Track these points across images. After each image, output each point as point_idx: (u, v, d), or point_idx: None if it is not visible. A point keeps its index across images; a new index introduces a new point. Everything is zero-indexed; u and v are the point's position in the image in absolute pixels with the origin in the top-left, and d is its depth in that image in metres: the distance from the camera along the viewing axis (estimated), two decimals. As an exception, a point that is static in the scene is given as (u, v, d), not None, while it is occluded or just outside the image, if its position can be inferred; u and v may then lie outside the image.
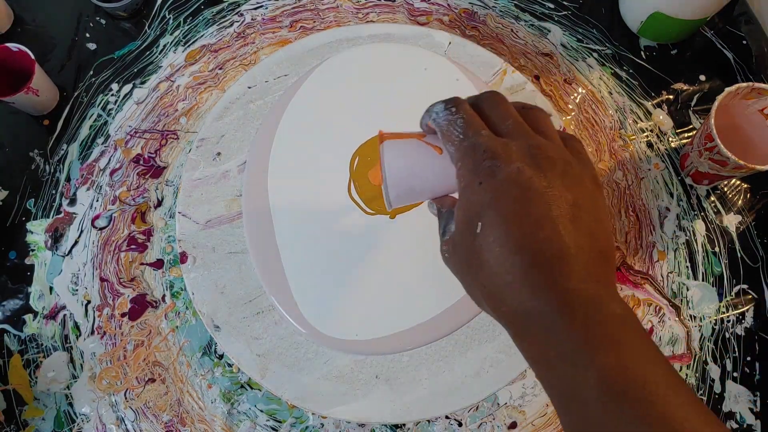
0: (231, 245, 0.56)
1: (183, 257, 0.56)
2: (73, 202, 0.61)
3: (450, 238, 0.31)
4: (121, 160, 0.62)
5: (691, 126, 0.65)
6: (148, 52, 0.67)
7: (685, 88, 0.67)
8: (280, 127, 0.58)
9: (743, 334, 0.59)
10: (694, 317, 0.59)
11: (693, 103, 0.66)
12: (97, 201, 0.61)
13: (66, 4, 0.68)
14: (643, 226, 0.62)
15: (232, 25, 0.67)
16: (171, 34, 0.67)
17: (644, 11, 0.65)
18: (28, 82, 0.58)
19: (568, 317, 0.25)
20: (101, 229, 0.60)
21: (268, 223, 0.55)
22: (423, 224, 0.55)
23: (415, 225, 0.55)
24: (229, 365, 0.57)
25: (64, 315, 0.58)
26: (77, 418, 0.55)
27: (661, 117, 0.66)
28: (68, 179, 0.62)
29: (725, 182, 0.63)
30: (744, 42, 0.68)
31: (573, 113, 0.65)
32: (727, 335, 0.59)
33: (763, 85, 0.56)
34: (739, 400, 0.57)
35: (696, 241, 0.62)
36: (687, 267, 0.61)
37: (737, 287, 0.60)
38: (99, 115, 0.64)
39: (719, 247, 0.62)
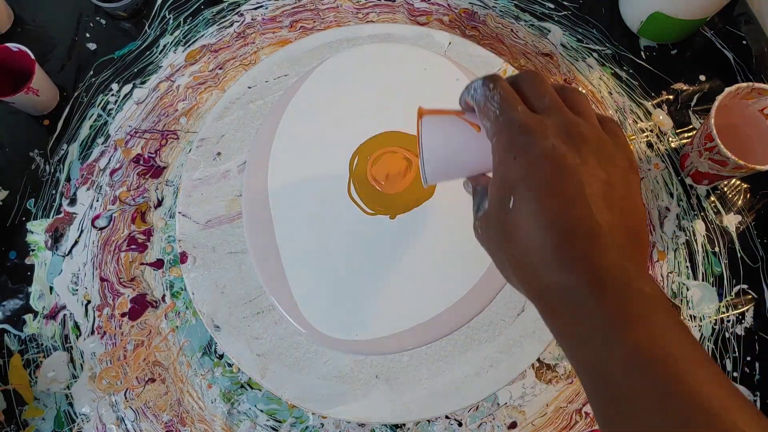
0: (231, 245, 0.56)
1: (183, 257, 0.56)
2: (73, 202, 0.61)
3: (483, 215, 0.31)
4: (121, 160, 0.62)
5: (691, 126, 0.65)
6: (148, 52, 0.67)
7: (685, 88, 0.67)
8: (280, 127, 0.58)
9: (743, 334, 0.59)
10: (694, 317, 0.59)
11: (693, 103, 0.66)
12: (97, 201, 0.61)
13: (66, 4, 0.68)
14: (643, 226, 0.62)
15: (232, 25, 0.67)
16: (171, 34, 0.67)
17: (644, 11, 0.65)
18: (28, 82, 0.58)
19: (599, 293, 0.25)
20: (101, 229, 0.60)
21: (268, 223, 0.55)
22: (423, 224, 0.55)
23: (415, 225, 0.55)
24: (229, 365, 0.57)
25: (64, 315, 0.58)
26: (77, 418, 0.55)
27: (661, 117, 0.66)
28: (68, 179, 0.62)
29: (725, 182, 0.63)
30: (744, 42, 0.68)
31: (573, 113, 0.65)
32: (727, 335, 0.59)
33: (763, 85, 0.56)
34: (739, 400, 0.57)
35: (696, 241, 0.62)
36: (687, 267, 0.61)
37: (737, 287, 0.60)
38: (99, 115, 0.64)
39: (719, 247, 0.62)
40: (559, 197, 0.27)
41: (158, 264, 0.59)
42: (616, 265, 0.26)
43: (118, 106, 0.64)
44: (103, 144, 0.63)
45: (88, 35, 0.67)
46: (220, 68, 0.66)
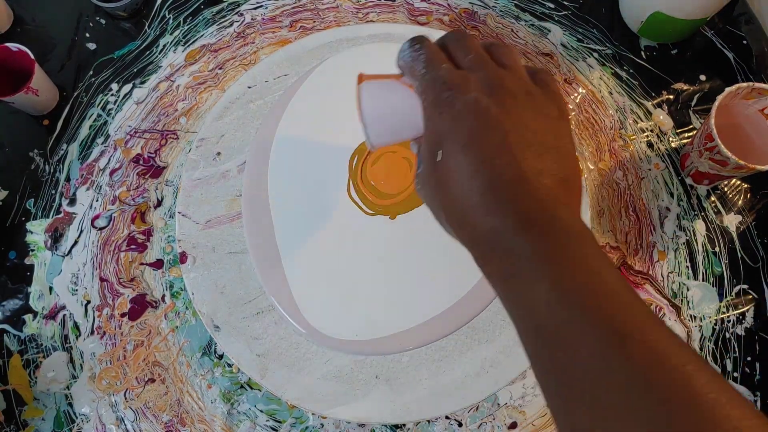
0: (231, 245, 0.56)
1: (183, 257, 0.56)
2: (72, 202, 0.61)
3: (420, 171, 0.32)
4: (121, 160, 0.62)
5: (691, 126, 0.65)
6: (148, 52, 0.66)
7: (685, 88, 0.67)
8: (280, 127, 0.58)
9: (743, 334, 0.59)
10: (695, 317, 0.59)
11: (693, 103, 0.66)
12: (97, 201, 0.61)
13: (66, 4, 0.68)
14: (643, 226, 0.62)
15: (232, 25, 0.67)
16: (171, 34, 0.67)
17: (644, 11, 0.65)
18: (28, 82, 0.58)
19: (524, 232, 0.26)
20: (101, 229, 0.60)
21: (268, 223, 0.55)
22: (423, 224, 0.55)
23: (415, 225, 0.55)
24: (229, 365, 0.57)
25: (64, 315, 0.58)
26: (77, 418, 0.55)
27: (661, 117, 0.66)
28: (68, 179, 0.62)
29: (725, 182, 0.63)
30: (744, 42, 0.68)
31: (573, 113, 0.65)
32: (727, 335, 0.59)
33: (763, 85, 0.56)
34: (739, 400, 0.57)
35: (696, 241, 0.62)
36: (687, 267, 0.61)
37: (737, 287, 0.60)
38: (99, 115, 0.64)
39: (719, 247, 0.61)
40: (483, 147, 0.27)
41: (158, 264, 0.59)
42: (541, 207, 0.26)
43: (117, 106, 0.64)
44: (102, 144, 0.63)
45: (88, 35, 0.67)
46: (220, 68, 0.66)
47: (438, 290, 0.53)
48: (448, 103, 0.29)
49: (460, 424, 0.55)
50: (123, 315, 0.58)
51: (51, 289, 0.59)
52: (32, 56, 0.59)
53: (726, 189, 0.63)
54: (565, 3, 0.70)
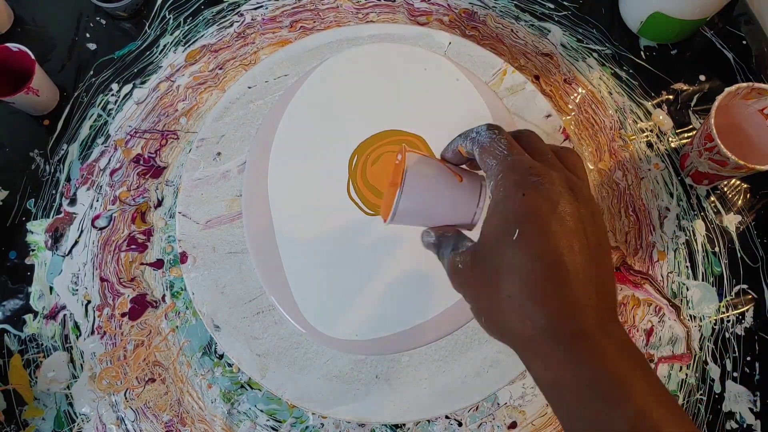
0: (231, 245, 0.56)
1: (183, 257, 0.56)
2: (73, 202, 0.61)
3: (470, 250, 0.32)
4: (121, 160, 0.62)
5: (691, 126, 0.65)
6: (148, 52, 0.67)
7: (685, 88, 0.67)
8: (280, 127, 0.58)
9: (743, 334, 0.59)
10: (694, 317, 0.59)
11: (693, 103, 0.66)
12: (97, 201, 0.61)
13: (66, 4, 0.68)
14: (643, 226, 0.62)
15: (232, 25, 0.67)
16: (171, 34, 0.67)
17: (644, 11, 0.65)
18: (28, 82, 0.58)
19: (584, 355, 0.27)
20: (101, 229, 0.60)
21: (268, 223, 0.55)
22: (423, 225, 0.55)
23: (415, 226, 0.55)
24: (229, 365, 0.57)
25: (64, 315, 0.58)
26: (77, 418, 0.55)
27: (661, 117, 0.66)
28: (68, 179, 0.62)
29: (725, 182, 0.63)
30: (744, 42, 0.68)
31: (573, 113, 0.65)
32: (727, 335, 0.59)
33: (763, 85, 0.56)
34: (739, 400, 0.57)
35: (696, 241, 0.62)
36: (687, 267, 0.61)
37: (737, 287, 0.60)
38: (99, 115, 0.64)
39: (719, 247, 0.62)
40: (565, 240, 0.28)
41: (158, 264, 0.59)
42: (599, 324, 0.28)
43: (118, 106, 0.64)
44: (103, 144, 0.63)
45: (88, 35, 0.67)
46: (220, 68, 0.66)
47: (438, 290, 0.53)
48: (534, 187, 0.29)
49: (460, 424, 0.55)
50: (123, 315, 0.58)
51: (51, 289, 0.59)
52: (32, 56, 0.59)
53: (726, 189, 0.63)
54: (564, 3, 0.70)
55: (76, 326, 0.58)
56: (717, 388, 0.57)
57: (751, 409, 0.57)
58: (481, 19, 0.68)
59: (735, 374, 0.58)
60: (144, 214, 0.61)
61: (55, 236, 0.60)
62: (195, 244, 0.56)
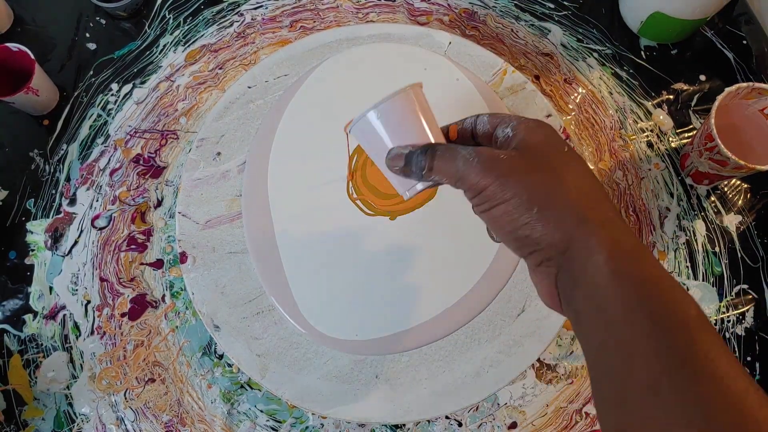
0: (231, 245, 0.56)
1: (183, 257, 0.56)
2: (73, 202, 0.61)
3: (512, 147, 0.33)
4: (121, 160, 0.62)
5: (691, 126, 0.65)
6: (148, 52, 0.67)
7: (685, 88, 0.67)
8: (280, 127, 0.58)
9: (743, 334, 0.59)
10: (695, 317, 0.59)
11: (693, 103, 0.66)
12: (97, 201, 0.61)
13: (66, 4, 0.68)
14: (643, 226, 0.62)
15: (232, 25, 0.67)
16: (171, 34, 0.67)
17: (644, 11, 0.65)
18: (28, 82, 0.58)
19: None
20: (101, 229, 0.60)
21: (268, 223, 0.55)
22: (423, 225, 0.55)
23: (415, 226, 0.55)
24: (229, 365, 0.57)
25: (64, 315, 0.58)
26: (77, 418, 0.55)
27: (661, 117, 0.66)
28: (68, 179, 0.62)
29: (725, 182, 0.63)
30: (744, 42, 0.68)
31: (573, 113, 0.65)
32: (727, 335, 0.59)
33: (763, 85, 0.56)
34: (739, 400, 0.57)
35: (696, 241, 0.62)
36: (687, 267, 0.61)
37: (737, 287, 0.60)
38: (99, 115, 0.64)
39: (719, 247, 0.61)
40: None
41: (158, 264, 0.59)
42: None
43: (118, 106, 0.64)
44: (102, 144, 0.63)
45: (88, 35, 0.67)
46: (220, 68, 0.66)
47: (438, 290, 0.53)
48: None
49: (460, 424, 0.55)
50: (123, 315, 0.58)
51: (51, 289, 0.59)
52: (32, 56, 0.59)
53: (726, 189, 0.63)
54: (565, 3, 0.70)
55: (76, 326, 0.58)
56: (717, 388, 0.57)
57: (751, 409, 0.57)
58: (481, 19, 0.68)
59: (735, 374, 0.58)
60: (144, 214, 0.61)
61: (55, 236, 0.60)
62: (195, 244, 0.56)
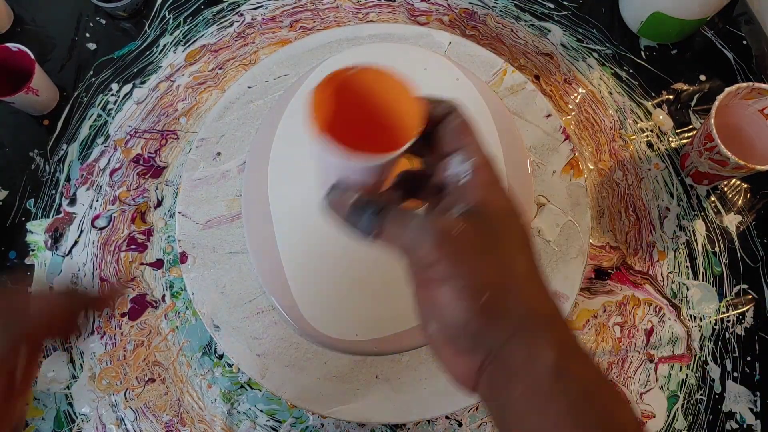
0: (231, 245, 0.56)
1: (183, 257, 0.56)
2: (73, 202, 0.61)
3: (465, 216, 0.28)
4: (121, 160, 0.62)
5: (691, 126, 0.65)
6: (148, 52, 0.67)
7: (685, 88, 0.67)
8: (280, 127, 0.58)
9: (743, 334, 0.59)
10: (694, 317, 0.59)
11: (693, 103, 0.66)
12: (97, 201, 0.61)
13: (66, 4, 0.68)
14: (643, 226, 0.62)
15: (232, 25, 0.67)
16: (171, 34, 0.67)
17: (644, 11, 0.65)
18: (28, 82, 0.58)
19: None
20: (101, 229, 0.60)
21: (268, 223, 0.55)
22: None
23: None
24: (229, 365, 0.57)
25: (64, 315, 0.58)
26: (77, 418, 0.55)
27: (661, 117, 0.66)
28: (68, 179, 0.62)
29: (725, 182, 0.63)
30: (744, 42, 0.68)
31: (573, 113, 0.65)
32: (727, 335, 0.59)
33: (763, 85, 0.56)
34: (739, 400, 0.57)
35: (696, 241, 0.62)
36: (687, 267, 0.61)
37: (737, 287, 0.60)
38: (99, 115, 0.64)
39: (719, 247, 0.62)
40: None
41: (158, 264, 0.59)
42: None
43: (118, 106, 0.64)
44: (103, 144, 0.63)
45: (88, 35, 0.67)
46: (220, 68, 0.66)
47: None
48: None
49: (460, 424, 0.55)
50: (123, 315, 0.58)
51: (51, 289, 0.59)
52: (32, 56, 0.59)
53: (726, 189, 0.63)
54: (565, 3, 0.70)
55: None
56: (717, 388, 0.57)
57: (751, 409, 0.57)
58: (481, 19, 0.68)
59: (735, 374, 0.58)
60: (144, 214, 0.61)
61: (55, 236, 0.60)
62: (195, 244, 0.56)
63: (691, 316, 0.59)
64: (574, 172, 0.59)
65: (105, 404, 0.55)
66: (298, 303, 0.53)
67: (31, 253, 0.60)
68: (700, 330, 0.59)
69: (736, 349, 0.58)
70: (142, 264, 0.59)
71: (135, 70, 0.66)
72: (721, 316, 0.59)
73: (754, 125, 0.59)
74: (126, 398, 0.55)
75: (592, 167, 0.63)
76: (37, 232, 0.60)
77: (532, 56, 0.67)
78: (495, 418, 0.28)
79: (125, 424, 0.55)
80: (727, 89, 0.55)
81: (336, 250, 0.54)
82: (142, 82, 0.65)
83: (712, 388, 0.57)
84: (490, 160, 0.29)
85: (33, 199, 0.61)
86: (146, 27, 0.68)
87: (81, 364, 0.57)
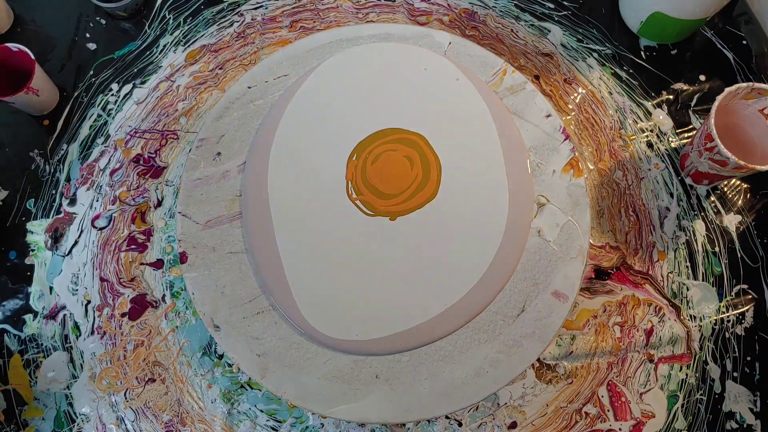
0: (231, 245, 0.56)
1: (183, 257, 0.56)
2: (73, 202, 0.61)
3: None
4: (121, 160, 0.62)
5: (691, 126, 0.65)
6: (148, 52, 0.67)
7: (685, 88, 0.67)
8: (280, 126, 0.58)
9: (743, 334, 0.59)
10: (694, 317, 0.59)
11: (693, 103, 0.66)
12: (97, 201, 0.61)
13: (66, 4, 0.68)
14: (643, 226, 0.62)
15: (232, 25, 0.67)
16: (171, 34, 0.67)
17: (644, 11, 0.65)
18: (28, 82, 0.58)
19: None
20: (101, 229, 0.60)
21: (268, 223, 0.55)
22: (423, 225, 0.55)
23: (415, 226, 0.55)
24: (229, 365, 0.57)
25: (64, 315, 0.58)
26: (77, 418, 0.55)
27: (661, 117, 0.66)
28: (68, 179, 0.62)
29: (725, 182, 0.63)
30: (744, 42, 0.68)
31: (573, 113, 0.65)
32: (727, 335, 0.59)
33: (763, 85, 0.56)
34: (739, 400, 0.57)
35: (696, 241, 0.62)
36: (687, 267, 0.61)
37: (737, 287, 0.60)
38: (99, 115, 0.64)
39: (719, 247, 0.62)
40: None
41: (158, 264, 0.59)
42: None
43: (118, 106, 0.64)
44: (103, 144, 0.63)
45: (88, 35, 0.67)
46: (220, 68, 0.66)
47: (438, 290, 0.53)
48: None
49: (460, 424, 0.55)
50: (123, 315, 0.58)
51: (51, 289, 0.59)
52: (32, 56, 0.59)
53: (726, 189, 0.63)
54: (565, 3, 0.70)
55: (76, 326, 0.58)
56: (717, 388, 0.57)
57: (751, 409, 0.57)
58: (481, 19, 0.68)
59: (735, 374, 0.58)
60: (144, 214, 0.61)
61: (55, 236, 0.60)
62: (195, 244, 0.56)
63: (691, 316, 0.59)
64: (574, 172, 0.59)
65: (105, 404, 0.55)
66: (298, 303, 0.53)
67: (31, 253, 0.60)
68: (700, 330, 0.59)
69: (736, 349, 0.58)
70: (142, 264, 0.59)
71: (135, 70, 0.66)
72: (721, 316, 0.59)
73: (754, 125, 0.59)
74: (126, 398, 0.56)
75: (592, 167, 0.64)
76: (37, 232, 0.60)
77: (532, 56, 0.67)
78: None
79: (125, 424, 0.55)
80: (727, 89, 0.55)
81: (336, 251, 0.54)
82: (142, 82, 0.65)
83: (712, 388, 0.57)
84: None
85: (33, 199, 0.61)
86: (146, 27, 0.68)
87: (81, 364, 0.57)
